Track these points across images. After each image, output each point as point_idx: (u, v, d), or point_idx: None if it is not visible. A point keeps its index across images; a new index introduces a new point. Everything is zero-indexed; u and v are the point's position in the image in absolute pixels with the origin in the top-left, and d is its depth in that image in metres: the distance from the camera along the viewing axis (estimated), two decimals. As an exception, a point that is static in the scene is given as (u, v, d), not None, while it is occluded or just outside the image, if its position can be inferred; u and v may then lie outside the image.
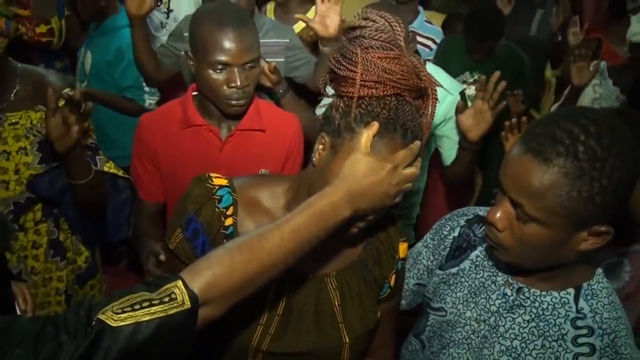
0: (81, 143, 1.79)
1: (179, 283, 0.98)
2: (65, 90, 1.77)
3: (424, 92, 1.22)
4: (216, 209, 1.28)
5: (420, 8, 3.60)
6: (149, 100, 3.23)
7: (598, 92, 3.20)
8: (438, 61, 3.27)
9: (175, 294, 0.97)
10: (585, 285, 1.23)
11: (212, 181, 1.31)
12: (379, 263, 1.40)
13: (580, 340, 1.20)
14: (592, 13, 4.50)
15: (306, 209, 1.10)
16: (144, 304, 0.94)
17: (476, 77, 3.34)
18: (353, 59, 1.15)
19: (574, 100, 3.12)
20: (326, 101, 2.61)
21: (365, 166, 1.14)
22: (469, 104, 2.27)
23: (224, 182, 1.32)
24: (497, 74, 2.08)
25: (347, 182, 1.13)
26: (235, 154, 1.96)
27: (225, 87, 1.84)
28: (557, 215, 1.07)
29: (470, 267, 1.37)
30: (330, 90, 1.27)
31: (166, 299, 0.96)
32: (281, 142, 2.04)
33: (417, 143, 1.20)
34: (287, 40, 2.82)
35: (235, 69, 1.82)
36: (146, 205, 2.07)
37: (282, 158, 2.03)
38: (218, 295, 1.02)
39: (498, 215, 1.16)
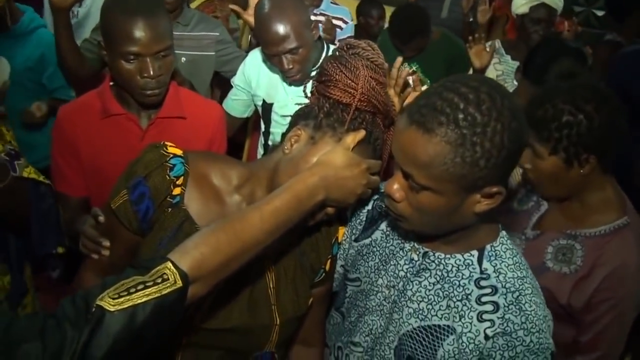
0: None
1: (169, 264, 1.02)
2: None
3: (390, 123, 1.38)
4: (167, 176, 1.29)
5: None
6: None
7: (499, 69, 3.33)
8: None
9: (167, 274, 1.01)
10: (488, 247, 1.26)
11: (166, 149, 1.32)
12: (316, 249, 1.42)
13: (484, 299, 1.23)
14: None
15: (284, 192, 1.17)
16: (139, 287, 0.98)
17: (414, 67, 3.39)
18: (355, 72, 1.28)
19: None
20: (239, 95, 2.60)
21: (344, 158, 1.23)
22: None
23: (178, 151, 1.33)
24: (399, 59, 2.08)
25: (324, 169, 1.20)
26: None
27: (138, 78, 1.79)
28: (446, 182, 1.10)
29: (381, 236, 1.40)
30: (309, 88, 1.38)
31: (159, 280, 1.00)
32: (204, 129, 2.00)
33: (379, 162, 1.34)
34: (217, 34, 2.80)
35: (147, 59, 1.76)
36: (70, 201, 1.99)
37: (206, 145, 2.00)
38: (205, 273, 1.06)
39: (395, 187, 1.18)
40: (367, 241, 1.42)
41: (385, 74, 1.35)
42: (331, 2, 3.59)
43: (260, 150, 2.73)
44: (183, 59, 2.71)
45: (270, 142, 2.61)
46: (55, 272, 3.00)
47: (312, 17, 3.42)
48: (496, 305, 1.21)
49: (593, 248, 1.67)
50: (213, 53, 2.79)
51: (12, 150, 1.86)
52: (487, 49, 3.16)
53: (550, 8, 3.26)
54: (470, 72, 3.30)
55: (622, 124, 1.63)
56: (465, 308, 1.23)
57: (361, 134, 1.27)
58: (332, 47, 2.49)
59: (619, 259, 1.63)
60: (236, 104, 2.67)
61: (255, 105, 2.64)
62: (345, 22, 3.53)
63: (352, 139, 1.26)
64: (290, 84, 2.40)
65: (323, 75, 1.32)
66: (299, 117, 1.34)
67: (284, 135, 1.37)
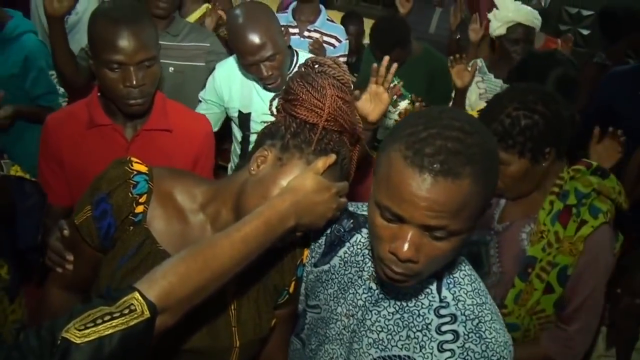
0: None
1: (136, 294, 0.98)
2: None
3: (356, 141, 1.35)
4: (129, 194, 1.25)
5: (322, 7, 3.59)
6: (64, 103, 2.97)
7: (482, 88, 3.31)
8: (364, 71, 3.30)
9: (134, 305, 0.97)
10: (447, 274, 1.22)
11: (131, 165, 1.27)
12: (280, 271, 1.37)
13: (444, 328, 1.18)
14: (487, 11, 4.67)
15: (255, 219, 1.13)
16: (106, 318, 0.94)
17: (395, 82, 3.38)
18: (322, 91, 1.24)
19: (461, 101, 3.22)
20: (211, 108, 2.58)
21: (315, 184, 1.20)
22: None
23: (143, 168, 1.28)
24: (386, 58, 2.16)
25: (295, 194, 1.16)
26: (141, 155, 1.80)
27: (121, 87, 1.76)
28: (475, 217, 1.05)
29: (339, 263, 1.35)
30: (274, 106, 1.34)
31: (126, 311, 0.96)
32: (190, 143, 1.97)
33: (346, 183, 1.30)
34: (208, 45, 2.78)
35: (131, 68, 1.74)
36: (54, 209, 1.97)
37: (191, 160, 1.97)
38: (174, 303, 1.02)
39: (408, 250, 1.04)
40: (325, 267, 1.37)
41: (351, 92, 1.32)
42: (327, 19, 3.56)
43: (236, 160, 2.72)
44: (171, 68, 2.69)
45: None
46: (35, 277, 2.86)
47: (306, 33, 3.46)
48: (456, 334, 1.17)
49: None
50: (203, 64, 2.77)
51: None
52: (469, 69, 3.15)
53: (527, 27, 3.23)
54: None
55: (566, 115, 1.75)
56: (425, 338, 1.19)
57: (331, 158, 1.23)
58: (301, 53, 2.50)
59: None
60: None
61: (230, 117, 2.63)
62: (339, 41, 3.52)
63: (322, 163, 1.22)
64: (269, 91, 2.41)
65: (289, 94, 1.28)
66: (265, 136, 1.30)
67: (249, 154, 1.33)
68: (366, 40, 3.86)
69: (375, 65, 2.16)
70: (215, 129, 2.67)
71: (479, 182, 1.01)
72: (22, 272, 2.14)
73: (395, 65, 2.16)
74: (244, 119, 2.54)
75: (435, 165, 0.99)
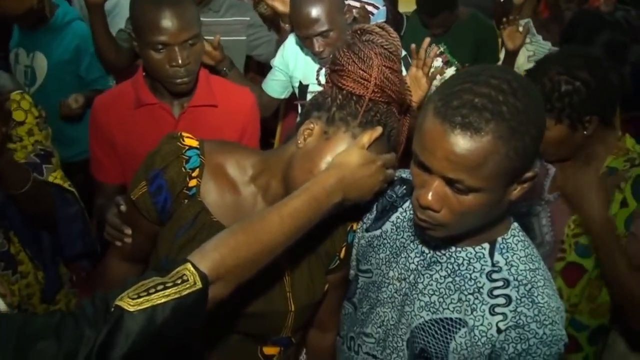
0: (5, 147, 1.65)
1: (189, 265, 1.00)
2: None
3: (406, 110, 1.32)
4: (183, 169, 1.28)
5: None
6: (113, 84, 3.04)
7: (531, 50, 3.23)
8: (406, 39, 3.25)
9: (187, 276, 0.99)
10: (500, 239, 1.22)
11: (183, 140, 1.31)
12: (331, 237, 1.38)
13: (496, 292, 1.18)
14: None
15: (303, 194, 1.15)
16: (159, 288, 0.96)
17: (442, 49, 3.29)
18: (368, 62, 1.22)
19: (510, 63, 3.15)
20: (277, 76, 2.59)
21: (360, 158, 1.20)
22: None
23: (194, 143, 1.32)
24: (427, 40, 2.07)
25: (341, 170, 1.17)
26: (189, 131, 1.83)
27: (167, 67, 1.79)
28: (497, 178, 1.04)
29: (391, 228, 1.35)
30: (322, 78, 1.32)
31: (178, 281, 0.98)
32: (236, 117, 1.99)
33: (393, 155, 1.29)
34: (248, 19, 2.79)
35: (175, 48, 1.77)
36: (106, 188, 2.02)
37: (238, 133, 1.99)
38: (225, 274, 1.04)
39: (431, 197, 1.08)
40: (377, 232, 1.37)
41: (399, 59, 1.28)
42: None
43: None
44: None
45: None
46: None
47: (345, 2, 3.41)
48: (508, 298, 1.17)
49: None
50: (244, 37, 2.79)
51: (42, 151, 1.86)
52: (521, 30, 3.09)
53: None
54: (502, 53, 3.24)
55: (615, 82, 1.70)
56: (477, 301, 1.19)
57: (377, 132, 1.22)
58: None
59: None
60: (274, 85, 2.67)
61: (292, 87, 2.64)
62: (377, 8, 3.47)
63: (367, 137, 1.21)
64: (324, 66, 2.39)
65: (336, 64, 1.27)
66: (312, 108, 1.30)
67: (297, 125, 1.34)
68: (402, 9, 3.76)
69: (414, 45, 2.07)
70: (282, 97, 2.72)
71: (503, 142, 1.01)
72: (74, 275, 2.17)
73: (435, 49, 2.09)
74: (303, 90, 2.55)
75: (456, 118, 1.01)
